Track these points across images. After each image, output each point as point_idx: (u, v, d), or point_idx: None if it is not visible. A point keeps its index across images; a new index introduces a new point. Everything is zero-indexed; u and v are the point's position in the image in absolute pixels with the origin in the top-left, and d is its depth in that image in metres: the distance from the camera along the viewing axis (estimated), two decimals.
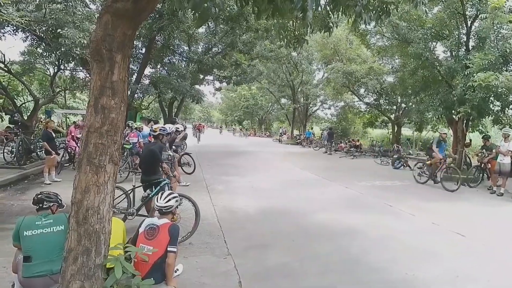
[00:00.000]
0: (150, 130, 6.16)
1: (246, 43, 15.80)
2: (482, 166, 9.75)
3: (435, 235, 5.40)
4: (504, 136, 8.90)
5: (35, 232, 2.90)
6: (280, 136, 31.07)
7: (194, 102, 17.76)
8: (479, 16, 9.77)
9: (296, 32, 5.73)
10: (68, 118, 22.20)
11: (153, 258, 2.99)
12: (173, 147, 8.86)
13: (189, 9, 2.58)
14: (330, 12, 3.61)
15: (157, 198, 3.47)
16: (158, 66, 17.38)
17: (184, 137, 11.39)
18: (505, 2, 8.55)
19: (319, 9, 2.60)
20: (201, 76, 18.14)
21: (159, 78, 15.28)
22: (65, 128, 17.64)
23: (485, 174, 9.86)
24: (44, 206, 3.15)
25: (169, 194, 3.55)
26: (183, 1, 2.30)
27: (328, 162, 14.57)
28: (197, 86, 18.08)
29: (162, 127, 6.35)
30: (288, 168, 12.78)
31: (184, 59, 17.00)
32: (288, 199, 7.60)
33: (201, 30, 16.56)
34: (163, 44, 14.92)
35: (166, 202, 3.40)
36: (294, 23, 5.20)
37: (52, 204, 3.21)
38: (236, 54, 16.51)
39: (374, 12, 4.00)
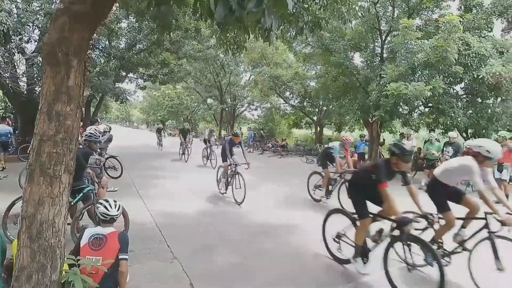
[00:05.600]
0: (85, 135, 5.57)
1: (174, 42, 15.43)
2: None
3: None
4: (406, 136, 10.53)
5: None
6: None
7: (118, 101, 16.75)
8: (392, 32, 11.20)
9: (236, 40, 5.93)
10: None
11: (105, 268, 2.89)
12: (98, 150, 8.32)
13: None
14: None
15: (106, 206, 3.31)
16: None
17: (109, 139, 10.73)
18: (413, 22, 9.98)
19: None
20: (123, 74, 17.12)
21: None
22: None
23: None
24: None
25: (114, 201, 3.44)
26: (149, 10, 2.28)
27: (259, 162, 15.02)
28: (119, 84, 17.01)
29: (90, 133, 5.73)
30: None
31: (105, 55, 15.84)
32: (225, 199, 7.75)
33: (124, 25, 15.65)
34: None
35: (118, 209, 3.29)
36: (236, 32, 5.37)
37: None
38: (163, 53, 15.98)
39: (307, 26, 4.41)
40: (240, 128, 30.77)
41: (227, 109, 31.05)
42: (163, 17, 2.29)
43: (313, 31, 4.63)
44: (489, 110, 10.98)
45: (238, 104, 31.79)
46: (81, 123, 10.39)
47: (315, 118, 23.09)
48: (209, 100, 35.10)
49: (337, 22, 5.32)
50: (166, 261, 4.33)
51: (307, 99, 21.35)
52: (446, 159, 9.11)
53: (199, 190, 8.61)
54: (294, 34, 4.29)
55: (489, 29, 12.03)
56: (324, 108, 22.02)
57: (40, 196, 2.32)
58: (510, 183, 8.44)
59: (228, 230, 5.61)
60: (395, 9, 13.07)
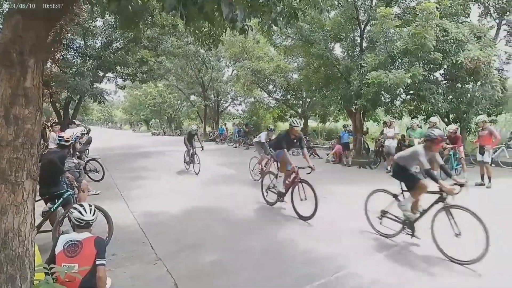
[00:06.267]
0: (59, 138, 5.42)
1: (152, 39, 15.12)
2: (379, 150, 11.33)
3: (347, 213, 6.11)
4: (389, 124, 10.73)
5: None
6: None
7: (96, 102, 16.35)
8: (371, 21, 11.22)
9: (211, 33, 5.82)
10: None
11: (80, 275, 2.80)
12: (77, 153, 8.12)
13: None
14: (247, 18, 3.79)
15: (80, 211, 3.22)
16: (49, 64, 15.38)
17: (88, 142, 10.48)
18: (392, 11, 9.99)
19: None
20: (101, 74, 16.72)
21: (50, 76, 13.54)
22: None
23: (382, 157, 11.47)
24: None
25: (90, 205, 3.35)
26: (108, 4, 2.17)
27: (244, 158, 14.98)
28: (98, 85, 16.58)
29: (76, 136, 5.64)
30: (206, 166, 12.72)
31: (80, 55, 15.37)
32: (211, 197, 7.66)
33: (99, 23, 15.24)
34: (54, 38, 13.23)
35: (93, 214, 3.20)
36: (210, 24, 5.25)
37: None
38: (141, 51, 15.63)
39: (283, 17, 4.33)
40: (225, 124, 30.57)
41: (211, 105, 30.85)
42: (123, 11, 2.17)
43: (289, 22, 4.56)
44: (469, 95, 11.14)
45: (222, 99, 31.62)
46: (59, 126, 10.05)
47: (299, 110, 23.16)
48: (192, 97, 34.81)
49: (314, 12, 5.22)
50: (150, 263, 4.24)
51: (290, 91, 21.39)
52: None
53: (182, 190, 8.50)
54: (268, 25, 4.21)
55: (466, 15, 12.16)
56: (308, 100, 22.11)
57: (3, 205, 2.21)
58: (492, 165, 8.61)
59: (214, 228, 5.53)
60: None
